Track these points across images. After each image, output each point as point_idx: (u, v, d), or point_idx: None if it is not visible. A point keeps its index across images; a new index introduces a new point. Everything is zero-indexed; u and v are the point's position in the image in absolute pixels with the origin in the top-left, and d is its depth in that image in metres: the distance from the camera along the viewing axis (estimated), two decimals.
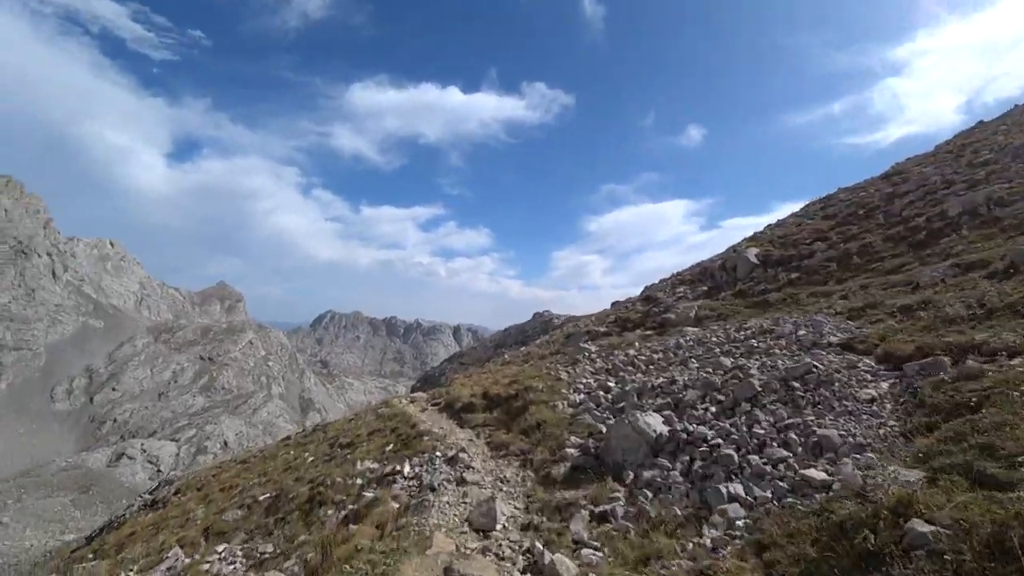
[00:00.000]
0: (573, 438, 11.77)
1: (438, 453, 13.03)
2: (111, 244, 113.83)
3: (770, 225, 30.76)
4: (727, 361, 13.21)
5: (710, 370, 13.29)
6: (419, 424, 17.16)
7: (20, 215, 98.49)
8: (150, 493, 32.96)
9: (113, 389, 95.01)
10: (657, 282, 31.19)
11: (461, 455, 12.36)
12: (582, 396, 14.78)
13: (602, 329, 23.78)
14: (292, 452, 25.26)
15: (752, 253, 24.29)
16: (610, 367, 17.11)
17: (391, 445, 15.75)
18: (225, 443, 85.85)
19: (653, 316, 23.06)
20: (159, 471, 75.51)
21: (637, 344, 19.40)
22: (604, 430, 11.45)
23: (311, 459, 20.32)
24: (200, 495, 24.49)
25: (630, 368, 16.34)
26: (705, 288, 24.38)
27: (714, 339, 16.50)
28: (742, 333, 16.10)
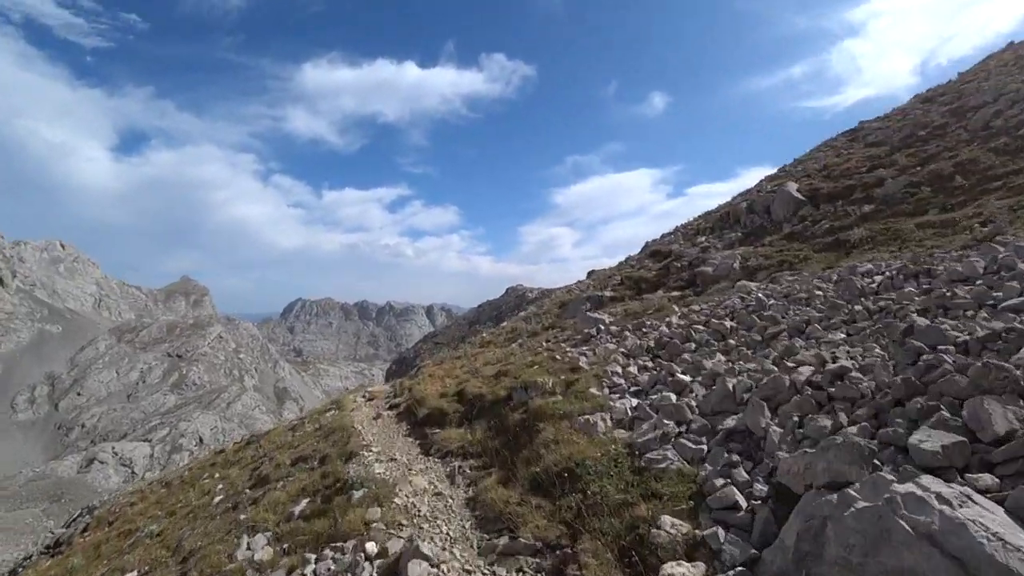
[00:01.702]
0: (673, 523, 4.73)
1: (370, 546, 5.89)
2: (62, 245, 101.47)
3: (797, 159, 24.10)
4: (923, 323, 6.31)
5: (883, 343, 6.45)
6: (360, 451, 9.96)
7: None
8: (66, 527, 25.32)
9: (78, 394, 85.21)
10: (659, 237, 24.29)
11: (412, 563, 5.21)
12: (630, 401, 7.74)
13: (608, 293, 16.80)
14: (216, 474, 18.18)
15: (792, 188, 17.55)
16: (652, 344, 10.11)
17: (307, 500, 8.50)
18: (201, 439, 77.93)
19: (676, 272, 16.20)
20: (133, 473, 68.51)
21: (677, 309, 12.41)
22: (766, 510, 4.45)
23: (217, 500, 13.15)
24: (96, 541, 17.07)
25: (689, 346, 9.37)
26: (738, 235, 17.57)
27: (819, 293, 9.64)
28: (864, 282, 9.26)
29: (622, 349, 10.39)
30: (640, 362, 9.45)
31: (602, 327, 12.59)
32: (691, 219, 24.08)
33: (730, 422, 6.23)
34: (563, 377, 9.31)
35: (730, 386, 6.76)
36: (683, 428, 6.54)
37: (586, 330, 12.85)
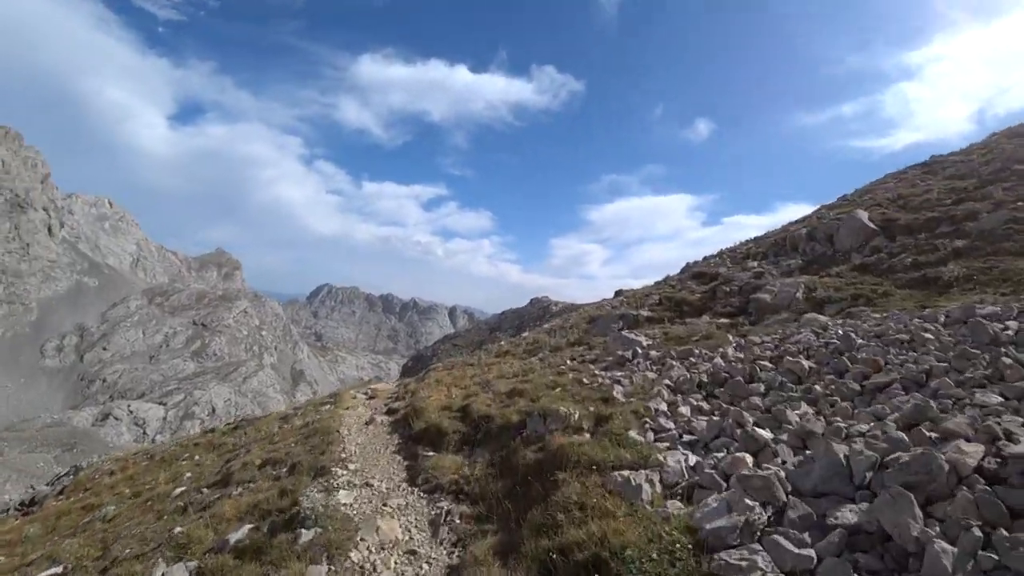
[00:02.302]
0: None
1: None
2: (109, 203, 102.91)
3: (860, 190, 21.49)
4: None
5: None
6: (334, 467, 7.97)
7: (18, 167, 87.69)
8: (49, 484, 24.06)
9: (104, 349, 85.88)
10: (701, 259, 21.86)
11: None
12: (685, 457, 5.55)
13: (644, 313, 14.56)
14: (196, 456, 16.68)
15: (863, 216, 15.12)
16: (705, 379, 7.92)
17: (251, 526, 6.50)
18: (213, 410, 77.79)
19: (724, 297, 13.93)
20: (145, 433, 68.80)
21: (732, 338, 10.15)
22: None
23: (178, 492, 11.36)
24: (60, 510, 15.58)
25: (757, 387, 7.14)
26: (797, 262, 15.17)
27: (927, 336, 7.34)
28: (995, 327, 6.96)
29: (666, 381, 8.19)
30: (692, 401, 7.25)
31: (639, 350, 10.39)
32: (738, 243, 21.64)
33: (848, 515, 4.04)
34: (592, 408, 7.17)
35: (841, 456, 4.56)
36: (773, 514, 4.35)
37: (620, 352, 10.67)
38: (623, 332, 11.62)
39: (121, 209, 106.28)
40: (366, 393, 16.69)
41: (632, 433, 6.14)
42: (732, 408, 6.43)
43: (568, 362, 11.22)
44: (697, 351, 9.53)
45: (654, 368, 9.28)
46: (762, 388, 7.14)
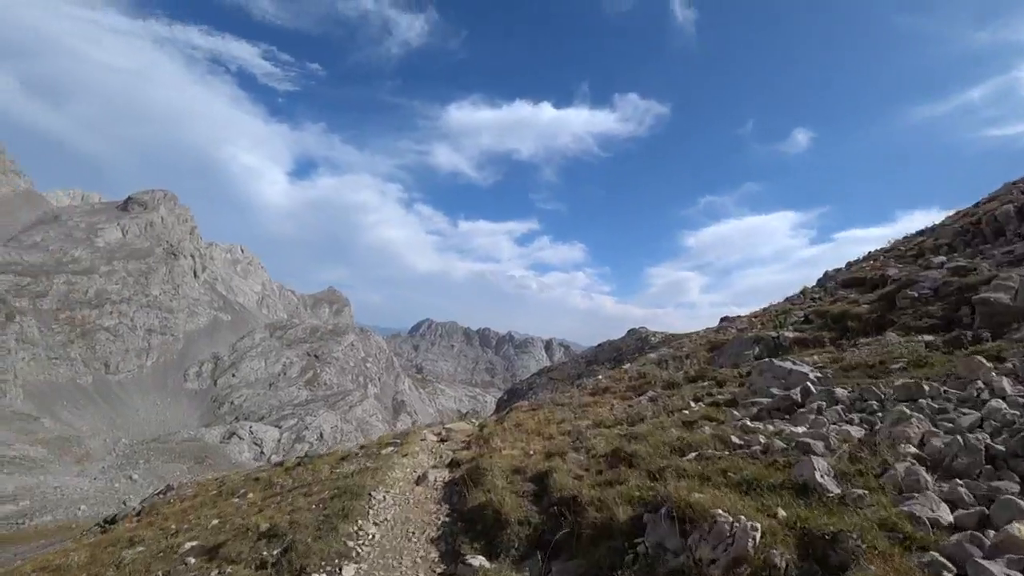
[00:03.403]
0: None
1: None
2: (241, 249, 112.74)
3: None
4: None
5: None
6: (335, 562, 4.74)
7: (172, 223, 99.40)
8: (140, 502, 23.47)
9: (233, 375, 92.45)
10: (844, 267, 16.65)
11: None
12: None
13: (790, 334, 10.24)
14: (234, 500, 14.51)
15: None
16: (990, 441, 3.91)
17: None
18: (321, 435, 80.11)
19: (911, 306, 9.33)
20: (262, 452, 72.18)
21: (985, 364, 5.83)
22: None
23: (187, 547, 8.74)
24: (105, 541, 13.96)
25: None
26: (1008, 252, 10.10)
27: None
28: None
29: (908, 447, 4.20)
30: (987, 492, 3.28)
31: (811, 387, 6.34)
32: (892, 242, 16.40)
33: None
34: (782, 513, 3.41)
35: None
36: None
37: (775, 390, 6.67)
38: (774, 361, 7.55)
39: (250, 254, 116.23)
40: (439, 434, 13.70)
41: None
42: None
43: (694, 405, 7.39)
44: (929, 388, 5.38)
45: (853, 418, 5.28)
46: None
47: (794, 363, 7.40)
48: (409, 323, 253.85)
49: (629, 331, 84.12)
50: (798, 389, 6.38)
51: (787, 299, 15.98)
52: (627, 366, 15.06)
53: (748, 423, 5.59)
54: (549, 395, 13.70)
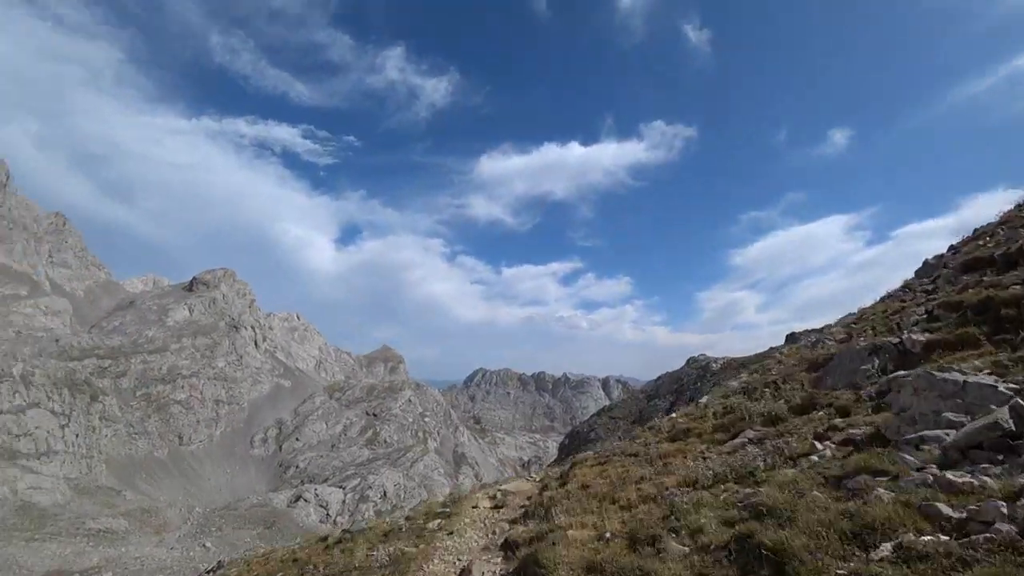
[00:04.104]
0: None
1: None
2: (297, 316, 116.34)
3: None
4: None
5: None
6: None
7: (233, 297, 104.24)
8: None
9: (296, 439, 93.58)
10: (948, 251, 13.80)
11: None
12: None
13: (919, 337, 7.84)
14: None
15: None
16: None
17: None
18: (384, 493, 78.73)
19: None
20: (328, 515, 71.58)
21: None
22: None
23: None
24: None
25: None
26: None
27: None
28: None
29: None
30: None
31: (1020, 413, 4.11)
32: (1006, 211, 13.55)
33: None
34: None
35: None
36: None
37: (952, 415, 4.43)
38: (934, 374, 5.28)
39: (306, 321, 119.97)
40: (493, 498, 11.73)
41: None
42: None
43: (819, 446, 5.20)
44: None
45: None
46: None
47: (963, 373, 5.13)
48: (463, 374, 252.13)
49: (688, 360, 79.16)
50: (999, 412, 4.14)
51: (884, 299, 13.31)
52: (704, 399, 12.60)
53: (949, 476, 3.45)
54: (617, 442, 11.47)
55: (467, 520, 9.61)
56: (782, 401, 7.92)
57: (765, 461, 5.19)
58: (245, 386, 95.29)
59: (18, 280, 79.44)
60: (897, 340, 7.84)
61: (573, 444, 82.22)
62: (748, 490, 4.46)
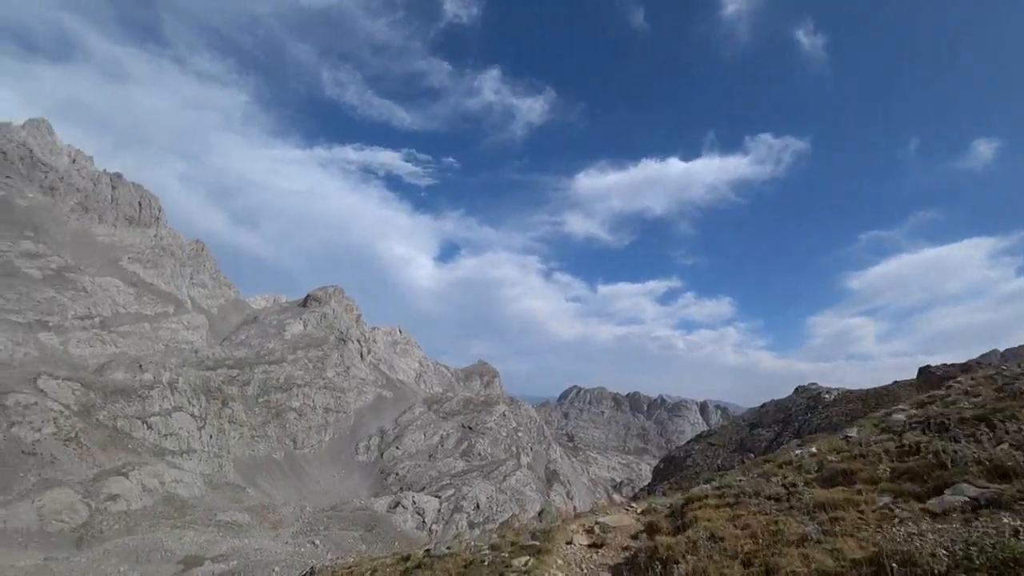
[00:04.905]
0: None
1: None
2: (399, 331, 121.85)
3: None
4: None
5: None
6: None
7: (341, 312, 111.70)
8: None
9: (397, 448, 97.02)
10: None
11: None
12: None
13: None
14: None
15: None
16: None
17: None
18: (477, 504, 79.08)
19: None
20: (424, 522, 73.40)
21: None
22: None
23: None
24: None
25: None
26: None
27: None
28: None
29: None
30: None
31: None
32: None
33: None
34: None
35: None
36: None
37: None
38: None
39: (407, 335, 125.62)
40: (590, 531, 10.25)
41: None
42: None
43: None
44: None
45: None
46: None
47: None
48: (557, 391, 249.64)
49: (796, 389, 71.03)
50: None
51: None
52: (853, 432, 10.06)
53: None
54: (741, 477, 9.50)
55: (559, 561, 8.21)
56: (1006, 445, 5.75)
57: None
58: (351, 396, 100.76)
59: (166, 300, 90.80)
60: None
61: (668, 469, 77.01)
62: None
